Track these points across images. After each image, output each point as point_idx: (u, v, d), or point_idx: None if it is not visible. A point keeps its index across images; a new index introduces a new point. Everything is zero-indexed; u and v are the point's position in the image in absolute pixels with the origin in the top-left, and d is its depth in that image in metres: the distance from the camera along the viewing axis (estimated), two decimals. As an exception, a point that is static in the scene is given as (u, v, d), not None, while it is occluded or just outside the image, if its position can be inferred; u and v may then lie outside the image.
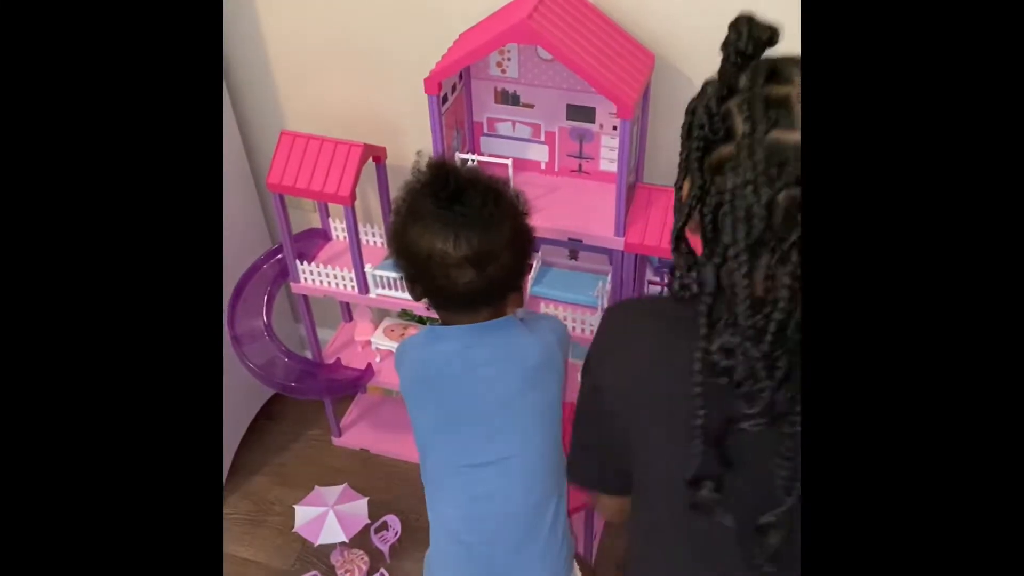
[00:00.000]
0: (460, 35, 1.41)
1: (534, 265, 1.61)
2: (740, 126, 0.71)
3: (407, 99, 1.58)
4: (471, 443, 1.17)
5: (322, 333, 1.93)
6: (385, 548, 1.82)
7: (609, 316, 0.94)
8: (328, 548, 1.84)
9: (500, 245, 1.07)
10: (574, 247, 1.62)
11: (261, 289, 1.78)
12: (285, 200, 1.61)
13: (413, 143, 1.66)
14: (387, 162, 1.66)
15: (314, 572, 1.83)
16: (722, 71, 0.75)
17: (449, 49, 1.38)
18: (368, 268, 1.63)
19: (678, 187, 0.79)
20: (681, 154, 0.77)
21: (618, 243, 1.39)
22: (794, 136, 0.68)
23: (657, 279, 1.58)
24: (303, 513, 1.75)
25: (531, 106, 1.48)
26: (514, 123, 1.51)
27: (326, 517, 1.73)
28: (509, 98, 1.49)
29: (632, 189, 1.42)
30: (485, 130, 1.54)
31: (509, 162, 1.43)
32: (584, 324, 1.53)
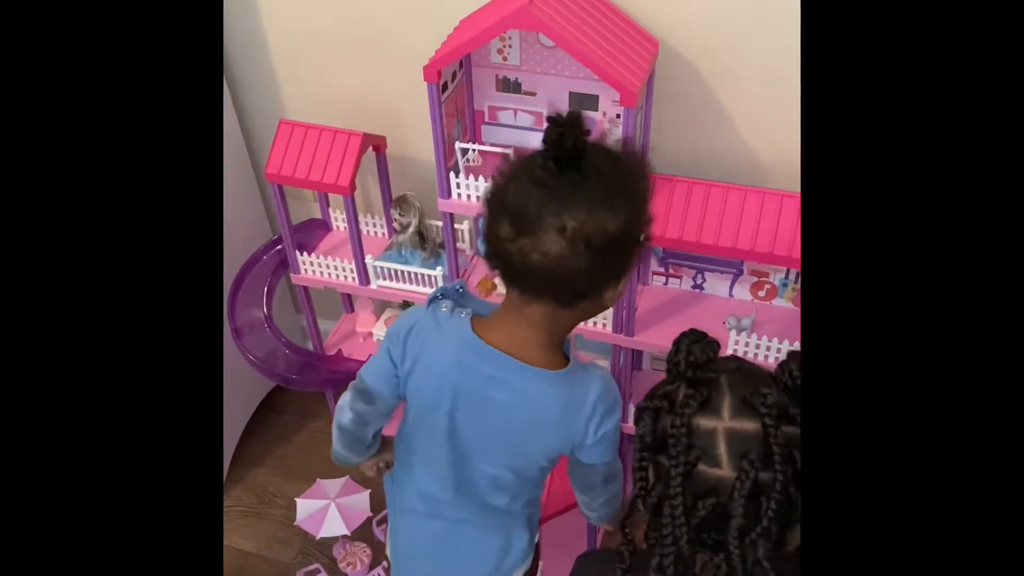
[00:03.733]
0: (460, 22, 1.39)
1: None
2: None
3: (407, 87, 1.56)
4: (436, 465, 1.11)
5: (323, 324, 1.91)
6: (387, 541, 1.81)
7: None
8: (330, 541, 1.83)
9: (614, 231, 0.86)
10: (577, 237, 1.60)
11: (261, 281, 1.77)
12: (284, 190, 1.59)
13: (413, 131, 1.64)
14: (387, 151, 1.64)
15: (316, 565, 1.82)
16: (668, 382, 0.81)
17: (449, 36, 1.36)
18: (369, 259, 1.61)
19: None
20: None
21: (622, 233, 1.37)
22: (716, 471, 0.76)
23: (662, 270, 1.56)
24: (305, 506, 1.74)
25: (533, 94, 1.46)
26: (516, 111, 1.49)
27: (328, 510, 1.72)
28: (510, 86, 1.47)
29: (636, 178, 1.39)
30: (486, 118, 1.51)
31: (511, 151, 1.41)
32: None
